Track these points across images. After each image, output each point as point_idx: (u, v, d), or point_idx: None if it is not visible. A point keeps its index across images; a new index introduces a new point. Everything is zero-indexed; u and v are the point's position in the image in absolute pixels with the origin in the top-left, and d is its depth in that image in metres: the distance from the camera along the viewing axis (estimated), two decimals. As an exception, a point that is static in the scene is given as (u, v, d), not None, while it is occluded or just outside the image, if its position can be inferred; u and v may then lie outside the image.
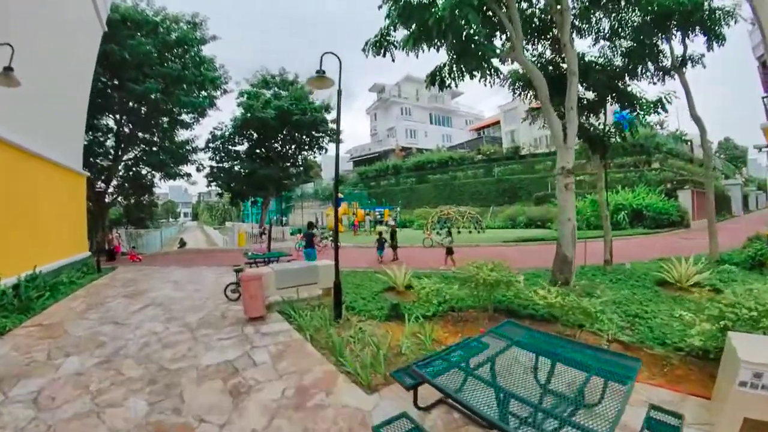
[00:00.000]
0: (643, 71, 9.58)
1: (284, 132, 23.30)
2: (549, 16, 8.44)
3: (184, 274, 11.46)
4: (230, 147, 24.29)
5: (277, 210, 36.61)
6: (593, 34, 9.34)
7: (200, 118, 21.10)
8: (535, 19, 8.75)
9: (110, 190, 19.87)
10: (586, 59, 8.98)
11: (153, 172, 21.02)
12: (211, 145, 23.77)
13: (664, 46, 9.55)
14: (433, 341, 4.77)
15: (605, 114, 9.64)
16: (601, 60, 9.40)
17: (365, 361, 4.07)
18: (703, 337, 3.95)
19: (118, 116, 18.70)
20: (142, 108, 18.43)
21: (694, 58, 9.59)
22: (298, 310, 6.16)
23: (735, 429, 2.70)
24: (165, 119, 20.05)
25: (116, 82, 16.93)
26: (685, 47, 9.54)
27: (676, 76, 9.71)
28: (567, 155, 6.74)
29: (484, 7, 6.76)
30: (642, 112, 8.98)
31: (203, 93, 19.92)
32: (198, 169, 23.20)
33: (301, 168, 26.44)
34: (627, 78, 9.42)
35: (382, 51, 7.06)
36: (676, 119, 58.77)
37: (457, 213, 24.72)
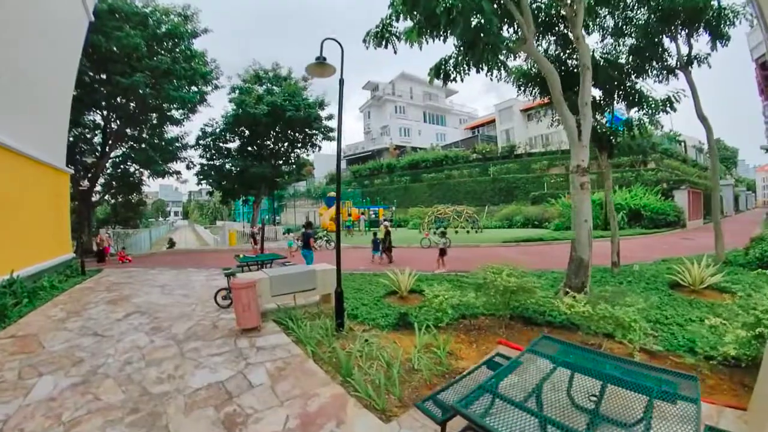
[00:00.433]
0: (649, 69, 9.38)
1: (277, 129, 22.71)
2: (556, 11, 8.16)
3: (173, 276, 10.97)
4: (221, 144, 23.66)
5: (270, 209, 35.98)
6: (599, 30, 9.14)
7: (190, 115, 20.55)
8: (542, 14, 8.46)
9: (97, 188, 19.18)
10: (596, 55, 8.74)
11: (141, 169, 20.33)
12: (201, 142, 23.11)
13: (669, 45, 9.44)
14: (447, 354, 4.39)
15: (612, 112, 9.44)
16: (608, 57, 9.17)
17: (377, 380, 3.67)
18: (736, 344, 3.75)
19: (105, 112, 18.01)
20: (131, 103, 17.77)
21: (700, 57, 9.49)
22: (297, 319, 5.71)
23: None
24: (154, 115, 19.46)
25: (103, 76, 16.25)
26: (691, 46, 9.45)
27: (681, 75, 9.59)
28: (582, 153, 6.42)
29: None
30: (651, 110, 8.78)
31: (193, 88, 19.28)
32: (188, 167, 22.63)
33: (294, 166, 25.85)
34: (633, 76, 9.22)
35: (384, 42, 6.63)
36: (669, 120, 59.55)
37: (454, 212, 24.38)
